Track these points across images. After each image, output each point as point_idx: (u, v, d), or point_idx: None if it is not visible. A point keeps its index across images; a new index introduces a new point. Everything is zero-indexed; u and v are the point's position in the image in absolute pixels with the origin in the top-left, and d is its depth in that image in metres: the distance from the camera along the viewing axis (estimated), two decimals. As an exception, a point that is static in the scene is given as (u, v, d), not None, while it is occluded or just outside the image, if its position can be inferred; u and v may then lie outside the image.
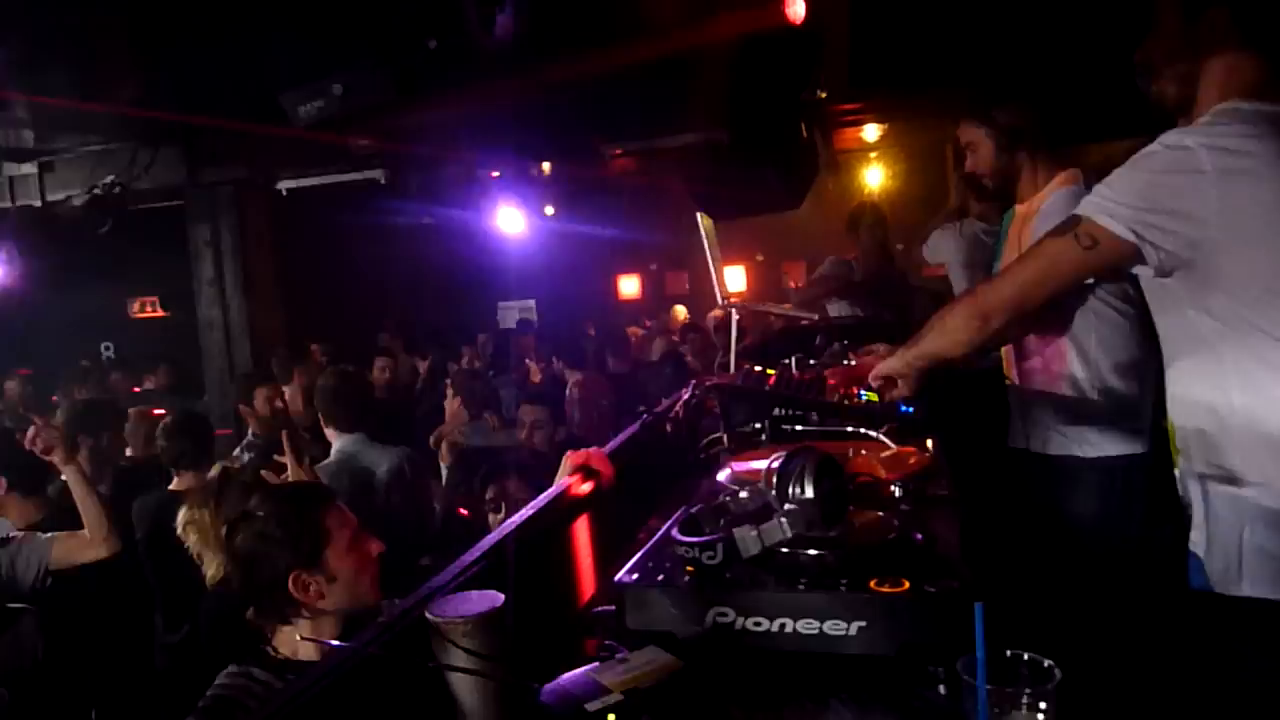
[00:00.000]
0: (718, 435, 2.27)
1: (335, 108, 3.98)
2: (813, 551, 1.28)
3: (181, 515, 2.62)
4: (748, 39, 3.77)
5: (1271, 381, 1.60)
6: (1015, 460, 2.59)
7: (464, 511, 3.56)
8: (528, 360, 7.51)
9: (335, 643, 1.53)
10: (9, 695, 2.54)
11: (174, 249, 6.67)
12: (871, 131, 9.26)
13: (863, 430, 2.08)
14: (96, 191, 5.59)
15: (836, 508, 1.32)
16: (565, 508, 1.83)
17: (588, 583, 1.83)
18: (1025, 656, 1.01)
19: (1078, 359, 2.37)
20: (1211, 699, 1.73)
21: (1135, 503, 2.36)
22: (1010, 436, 2.63)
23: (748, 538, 1.29)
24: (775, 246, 10.87)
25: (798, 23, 3.61)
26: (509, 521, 1.64)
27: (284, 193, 6.24)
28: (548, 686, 1.19)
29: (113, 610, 3.24)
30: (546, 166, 6.64)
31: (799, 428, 2.17)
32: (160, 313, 10.75)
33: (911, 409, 2.10)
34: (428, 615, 1.15)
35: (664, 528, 1.51)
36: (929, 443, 2.03)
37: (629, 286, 13.01)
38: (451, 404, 4.57)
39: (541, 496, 1.80)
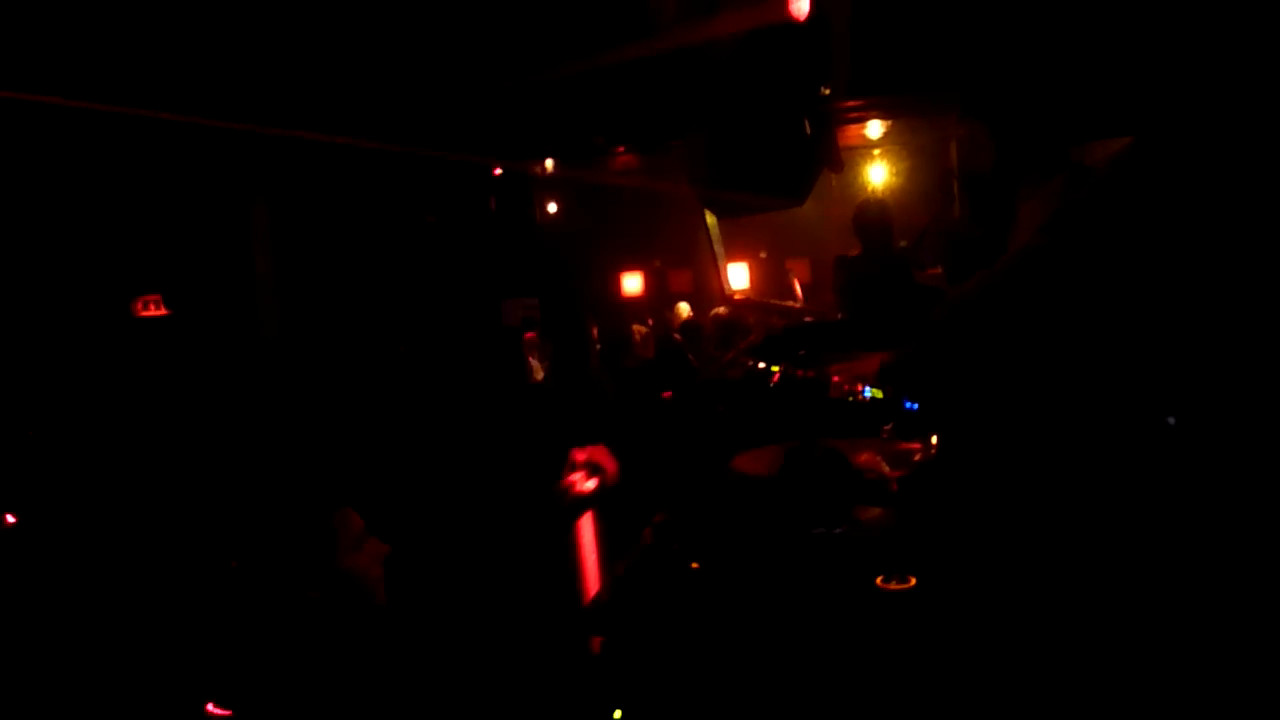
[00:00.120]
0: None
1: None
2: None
3: None
4: (751, 35, 3.76)
5: None
6: None
7: None
8: (531, 358, 7.49)
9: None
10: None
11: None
12: (875, 128, 9.24)
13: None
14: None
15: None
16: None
17: (592, 580, 1.83)
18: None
19: None
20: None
21: None
22: None
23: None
24: (779, 244, 10.85)
25: (802, 19, 3.60)
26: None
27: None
28: None
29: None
30: (550, 164, 6.65)
31: None
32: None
33: (915, 405, 2.10)
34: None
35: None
36: (933, 439, 2.02)
37: (632, 284, 12.97)
38: None
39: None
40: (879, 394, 2.17)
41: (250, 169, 6.20)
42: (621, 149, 7.92)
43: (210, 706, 1.75)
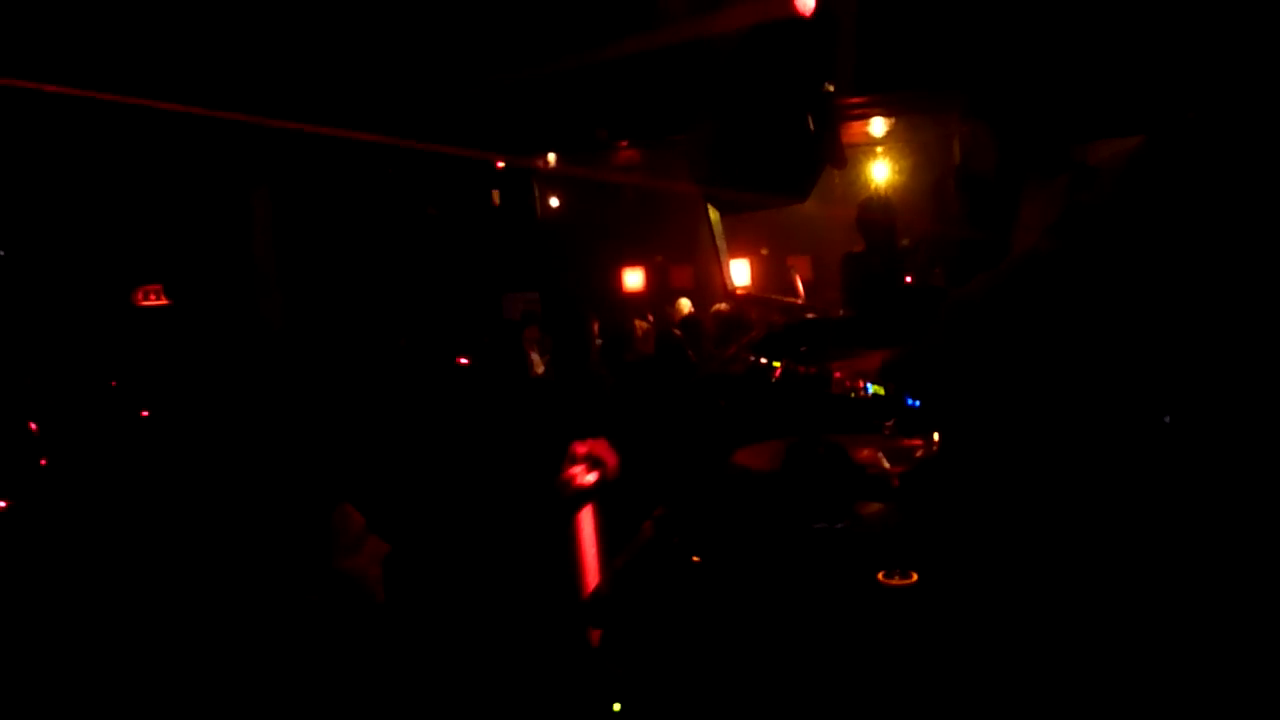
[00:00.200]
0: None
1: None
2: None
3: None
4: (756, 29, 3.75)
5: None
6: None
7: None
8: (531, 352, 7.49)
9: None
10: None
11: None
12: (878, 125, 9.23)
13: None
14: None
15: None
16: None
17: (592, 573, 1.83)
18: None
19: None
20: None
21: None
22: None
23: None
24: (780, 240, 10.84)
25: (807, 14, 3.59)
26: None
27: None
28: None
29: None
30: (552, 158, 6.64)
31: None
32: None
33: (917, 403, 2.09)
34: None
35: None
36: (935, 435, 2.02)
37: (633, 279, 12.96)
38: None
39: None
40: (881, 390, 2.17)
41: (250, 158, 6.19)
42: (624, 143, 7.91)
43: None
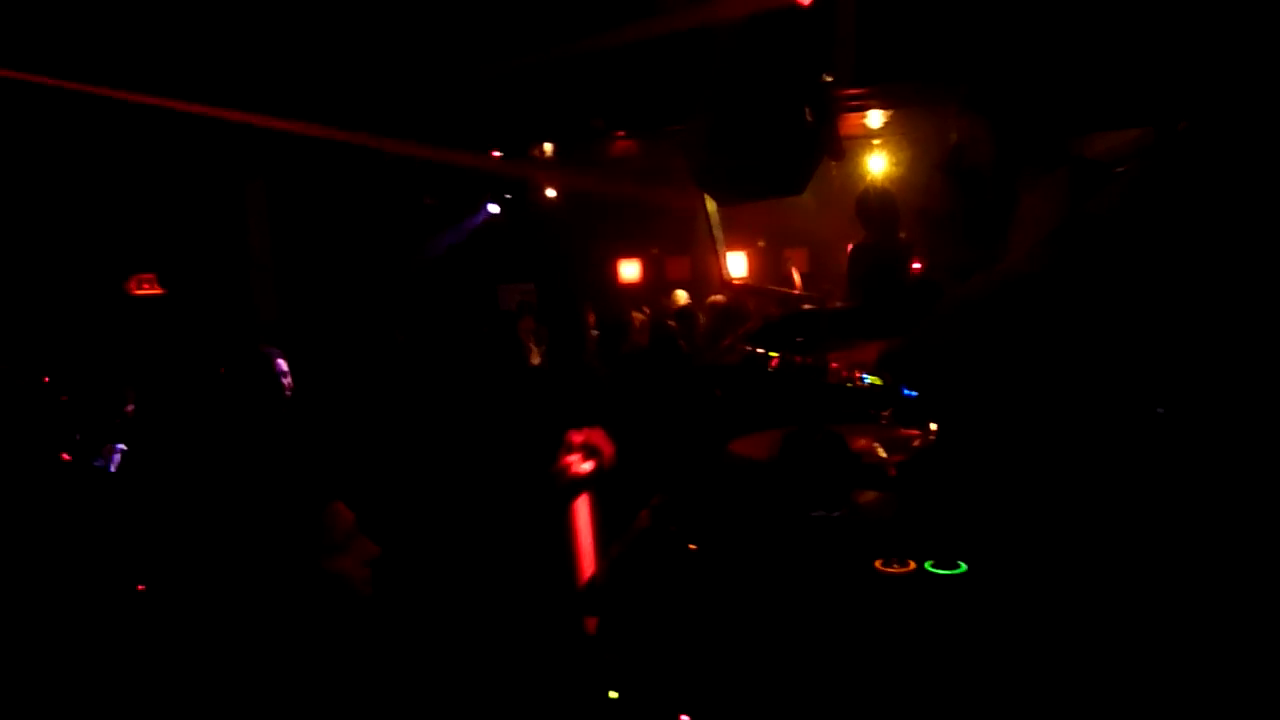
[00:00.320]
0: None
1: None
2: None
3: None
4: (754, 19, 3.73)
5: None
6: None
7: None
8: (528, 343, 7.48)
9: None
10: None
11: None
12: (876, 117, 9.20)
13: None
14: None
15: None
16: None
17: (588, 561, 1.82)
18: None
19: None
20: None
21: None
22: None
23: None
24: (777, 233, 10.83)
25: (806, 4, 3.57)
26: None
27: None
28: None
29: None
30: (549, 148, 6.61)
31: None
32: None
33: (914, 393, 2.09)
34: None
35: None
36: (932, 425, 2.02)
37: (630, 270, 12.93)
38: None
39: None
40: (877, 380, 2.17)
41: (245, 148, 6.16)
42: (621, 133, 7.87)
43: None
